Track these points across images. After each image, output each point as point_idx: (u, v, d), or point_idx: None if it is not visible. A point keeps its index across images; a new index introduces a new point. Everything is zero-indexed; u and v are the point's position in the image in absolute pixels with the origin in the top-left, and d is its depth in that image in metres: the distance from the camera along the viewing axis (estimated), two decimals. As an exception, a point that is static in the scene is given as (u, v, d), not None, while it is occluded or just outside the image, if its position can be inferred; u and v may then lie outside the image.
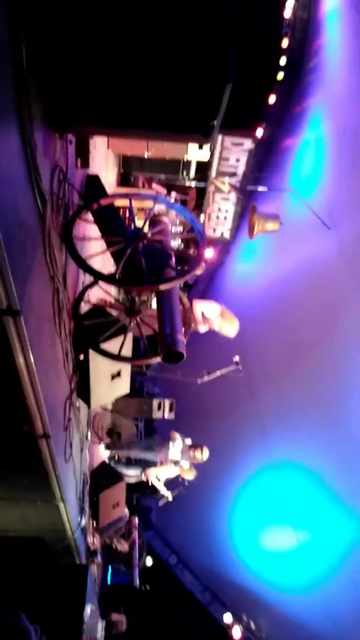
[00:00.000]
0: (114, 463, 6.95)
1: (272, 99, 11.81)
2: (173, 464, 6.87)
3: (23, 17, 2.03)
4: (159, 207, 3.94)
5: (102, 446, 6.72)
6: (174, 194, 9.37)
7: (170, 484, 7.35)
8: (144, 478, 7.07)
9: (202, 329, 4.97)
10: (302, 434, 9.91)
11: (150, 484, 7.20)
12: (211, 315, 4.84)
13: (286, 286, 10.92)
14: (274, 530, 11.24)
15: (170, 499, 7.35)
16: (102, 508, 5.53)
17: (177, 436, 6.86)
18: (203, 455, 6.74)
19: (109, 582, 9.69)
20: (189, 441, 6.85)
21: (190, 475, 6.96)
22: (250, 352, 9.90)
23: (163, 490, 7.19)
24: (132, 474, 6.99)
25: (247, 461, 11.68)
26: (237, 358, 5.93)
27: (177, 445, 6.82)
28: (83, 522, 4.59)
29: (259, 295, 12.00)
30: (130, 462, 7.19)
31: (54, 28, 2.22)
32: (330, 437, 9.14)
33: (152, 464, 6.97)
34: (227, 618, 12.23)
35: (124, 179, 8.36)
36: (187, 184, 9.91)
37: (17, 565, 4.11)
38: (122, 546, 8.18)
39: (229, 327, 4.94)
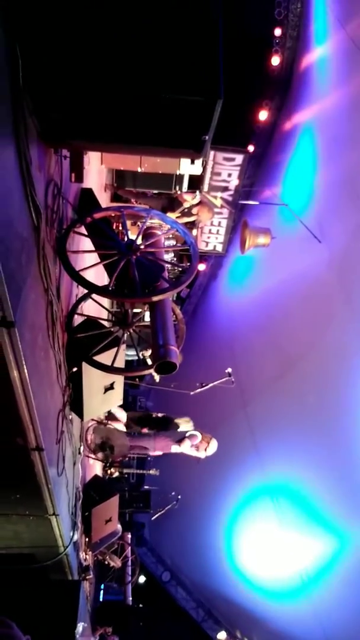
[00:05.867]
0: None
1: (263, 115, 12.01)
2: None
3: (19, 34, 2.08)
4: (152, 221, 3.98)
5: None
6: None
7: (163, 498, 7.28)
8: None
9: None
10: (294, 446, 9.91)
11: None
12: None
13: (278, 299, 11.00)
14: (267, 544, 11.16)
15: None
16: (94, 523, 5.47)
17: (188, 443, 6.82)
18: (209, 449, 6.73)
19: (101, 599, 9.55)
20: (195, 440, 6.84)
21: None
22: (242, 364, 9.94)
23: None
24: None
25: (240, 475, 11.63)
26: (229, 370, 5.96)
27: (182, 446, 6.81)
28: (75, 537, 4.54)
29: (251, 308, 12.07)
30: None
31: (49, 45, 2.27)
32: (322, 449, 9.14)
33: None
34: (221, 635, 12.08)
35: (116, 199, 8.40)
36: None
37: (8, 581, 4.05)
38: (115, 562, 8.07)
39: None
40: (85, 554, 5.58)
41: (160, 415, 7.27)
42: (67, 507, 4.17)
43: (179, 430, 7.03)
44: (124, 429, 7.06)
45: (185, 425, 6.98)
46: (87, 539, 5.58)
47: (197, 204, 7.67)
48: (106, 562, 7.86)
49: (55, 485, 3.35)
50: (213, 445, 6.76)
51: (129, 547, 9.76)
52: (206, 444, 6.70)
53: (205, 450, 6.73)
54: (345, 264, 9.02)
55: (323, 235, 9.22)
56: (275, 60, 11.59)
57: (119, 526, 6.59)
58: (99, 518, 5.60)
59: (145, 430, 7.32)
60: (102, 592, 9.72)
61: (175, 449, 6.85)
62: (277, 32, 11.35)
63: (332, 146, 9.89)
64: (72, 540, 4.27)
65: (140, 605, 12.62)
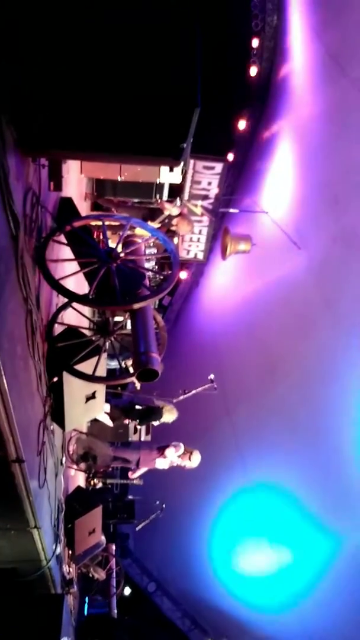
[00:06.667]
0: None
1: (242, 125, 12.14)
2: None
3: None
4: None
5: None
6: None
7: (147, 508, 7.23)
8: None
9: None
10: (277, 452, 9.94)
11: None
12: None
13: (259, 306, 11.08)
14: (252, 552, 11.14)
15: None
16: (77, 535, 5.39)
17: (172, 451, 6.82)
18: (192, 460, 6.72)
19: (85, 613, 9.39)
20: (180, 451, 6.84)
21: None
22: (225, 371, 9.96)
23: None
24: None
25: (224, 483, 11.61)
26: (212, 376, 5.98)
27: (167, 460, 6.80)
28: (58, 550, 4.46)
29: (233, 315, 12.12)
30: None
31: (26, 52, 2.26)
32: (304, 455, 9.18)
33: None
34: (208, 645, 11.98)
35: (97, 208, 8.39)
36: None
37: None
38: (99, 574, 7.96)
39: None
40: (69, 566, 5.49)
41: (143, 407, 7.26)
42: (49, 520, 4.11)
43: (162, 421, 7.06)
44: (109, 420, 7.08)
45: (169, 414, 7.00)
46: (70, 552, 5.49)
47: (177, 216, 7.71)
48: (90, 575, 7.74)
49: (37, 497, 3.30)
50: (196, 457, 6.78)
51: (114, 559, 9.65)
52: (189, 454, 6.72)
53: (190, 459, 6.74)
54: (324, 270, 9.13)
55: (303, 241, 9.33)
56: (253, 71, 11.76)
57: (103, 537, 6.51)
58: (82, 530, 5.52)
59: (127, 422, 7.33)
60: (86, 605, 9.56)
61: (159, 463, 6.84)
62: (255, 43, 11.53)
63: (309, 154, 10.04)
64: (54, 553, 4.20)
65: (126, 617, 12.46)
